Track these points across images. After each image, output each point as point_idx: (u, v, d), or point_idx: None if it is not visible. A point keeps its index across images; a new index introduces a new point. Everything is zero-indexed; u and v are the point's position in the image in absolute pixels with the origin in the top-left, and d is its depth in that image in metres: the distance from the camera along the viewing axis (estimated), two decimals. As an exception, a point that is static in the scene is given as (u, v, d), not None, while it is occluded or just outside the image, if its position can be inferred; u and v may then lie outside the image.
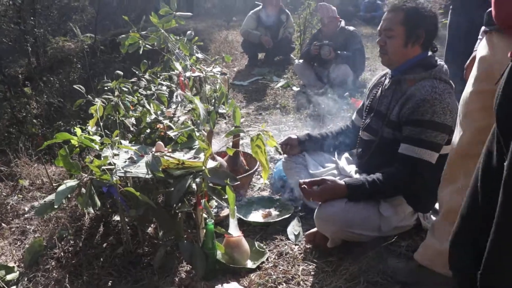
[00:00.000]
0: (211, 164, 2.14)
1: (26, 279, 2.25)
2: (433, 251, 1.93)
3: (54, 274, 2.26)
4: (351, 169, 2.57)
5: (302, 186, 2.25)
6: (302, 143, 2.83)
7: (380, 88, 2.52)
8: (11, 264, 2.39)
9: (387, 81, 2.48)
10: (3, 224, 2.94)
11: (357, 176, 2.45)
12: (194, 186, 2.09)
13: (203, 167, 2.05)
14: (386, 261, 2.15)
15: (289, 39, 7.21)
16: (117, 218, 2.63)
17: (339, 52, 5.26)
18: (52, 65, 9.83)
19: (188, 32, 3.64)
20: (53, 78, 8.58)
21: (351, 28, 5.56)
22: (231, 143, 3.26)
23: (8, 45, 9.37)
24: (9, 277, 2.25)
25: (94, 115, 2.40)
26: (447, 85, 2.24)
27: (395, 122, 2.30)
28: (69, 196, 2.02)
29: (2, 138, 6.98)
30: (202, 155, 2.27)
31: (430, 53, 2.35)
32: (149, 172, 2.03)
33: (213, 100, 4.45)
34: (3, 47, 9.39)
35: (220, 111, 4.70)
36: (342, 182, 2.21)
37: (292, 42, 7.32)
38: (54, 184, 3.38)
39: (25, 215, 3.04)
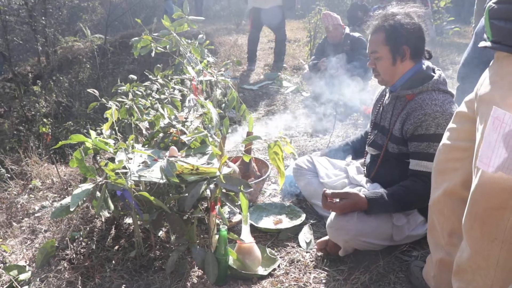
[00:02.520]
0: (225, 170, 2.15)
1: (38, 279, 2.26)
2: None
3: (66, 275, 2.26)
4: (362, 178, 2.57)
5: (325, 195, 2.25)
6: None
7: (382, 103, 2.54)
8: (21, 263, 2.41)
9: (387, 96, 2.49)
10: (13, 223, 2.96)
11: (368, 185, 2.46)
12: (208, 192, 2.10)
13: (218, 173, 2.06)
14: (410, 264, 2.19)
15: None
16: (128, 221, 2.64)
17: (346, 66, 5.26)
18: (61, 65, 9.89)
19: (200, 35, 3.65)
20: (62, 78, 8.63)
21: (357, 34, 5.56)
22: (242, 149, 3.27)
23: (19, 44, 9.44)
24: (21, 276, 2.27)
25: (109, 119, 2.41)
26: (447, 94, 2.25)
27: (398, 138, 2.31)
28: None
29: (11, 136, 7.02)
30: (215, 161, 2.28)
31: (425, 62, 2.35)
32: (163, 177, 2.04)
33: (223, 105, 4.47)
34: (14, 46, 9.45)
35: (230, 115, 4.71)
36: (363, 195, 2.19)
37: None
38: (64, 185, 3.40)
39: (35, 214, 3.05)
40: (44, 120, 6.31)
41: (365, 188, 2.44)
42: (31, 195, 3.34)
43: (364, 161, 2.65)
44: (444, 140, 1.74)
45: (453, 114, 2.11)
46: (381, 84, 2.45)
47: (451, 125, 1.72)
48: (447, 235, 1.76)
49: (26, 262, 2.45)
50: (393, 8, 2.30)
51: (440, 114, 2.14)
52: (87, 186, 2.00)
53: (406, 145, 2.29)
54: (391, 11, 2.29)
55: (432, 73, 2.30)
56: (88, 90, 2.86)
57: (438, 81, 2.25)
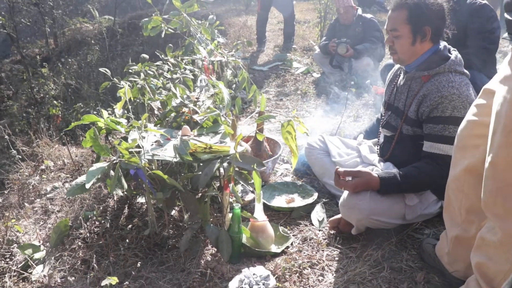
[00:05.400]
0: (239, 149, 2.14)
1: (53, 258, 2.28)
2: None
3: (80, 254, 2.29)
4: (374, 157, 2.57)
5: (337, 173, 2.24)
6: None
7: (395, 84, 2.51)
8: (35, 243, 2.42)
9: (401, 76, 2.45)
10: (26, 204, 2.98)
11: (381, 164, 2.46)
12: (221, 170, 2.11)
13: (233, 152, 2.05)
14: (422, 241, 2.19)
15: None
16: (141, 200, 2.65)
17: (357, 47, 5.19)
18: (69, 47, 9.87)
19: (210, 16, 3.62)
20: (71, 60, 8.63)
21: (369, 15, 5.45)
22: (253, 129, 3.26)
23: (26, 26, 9.42)
24: (36, 255, 2.29)
25: (122, 97, 2.41)
26: (463, 76, 2.21)
27: (413, 120, 2.28)
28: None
29: (20, 118, 7.05)
30: (228, 140, 2.28)
31: (442, 43, 2.30)
32: (177, 155, 2.04)
33: (233, 85, 4.45)
34: (22, 27, 9.43)
35: (240, 95, 4.70)
36: (375, 175, 2.18)
37: None
38: (76, 166, 3.42)
39: (47, 195, 3.07)
40: (54, 102, 6.32)
41: (377, 167, 2.43)
42: (43, 176, 3.35)
43: (378, 141, 2.64)
44: (469, 116, 1.72)
45: (469, 96, 2.11)
46: (396, 63, 2.42)
47: (477, 101, 1.70)
48: (465, 212, 1.75)
49: (39, 242, 2.47)
50: None
51: (456, 97, 2.11)
52: (102, 164, 2.00)
53: (421, 127, 2.27)
54: None
55: (449, 54, 2.27)
56: (100, 69, 2.85)
57: (454, 62, 2.22)
